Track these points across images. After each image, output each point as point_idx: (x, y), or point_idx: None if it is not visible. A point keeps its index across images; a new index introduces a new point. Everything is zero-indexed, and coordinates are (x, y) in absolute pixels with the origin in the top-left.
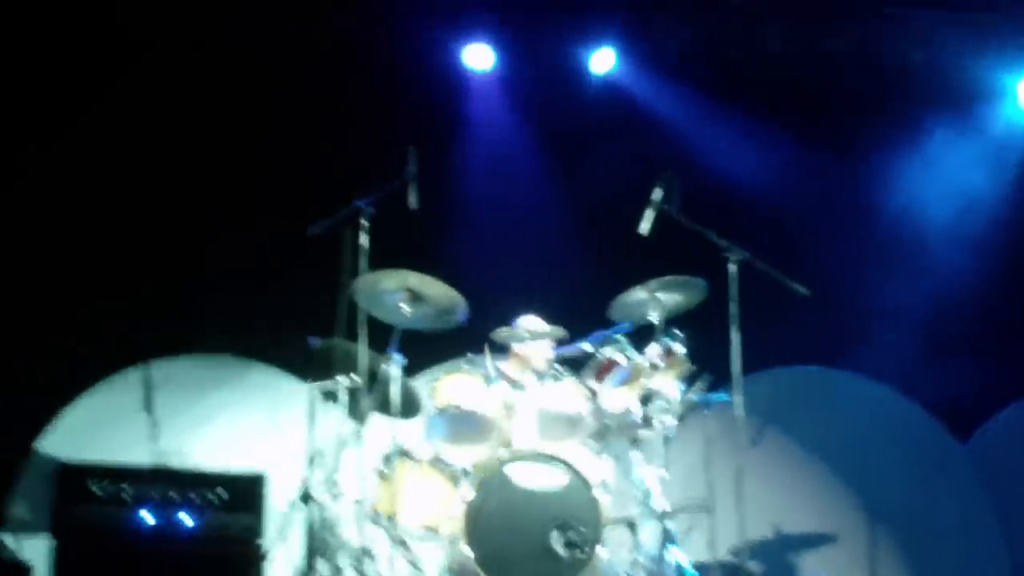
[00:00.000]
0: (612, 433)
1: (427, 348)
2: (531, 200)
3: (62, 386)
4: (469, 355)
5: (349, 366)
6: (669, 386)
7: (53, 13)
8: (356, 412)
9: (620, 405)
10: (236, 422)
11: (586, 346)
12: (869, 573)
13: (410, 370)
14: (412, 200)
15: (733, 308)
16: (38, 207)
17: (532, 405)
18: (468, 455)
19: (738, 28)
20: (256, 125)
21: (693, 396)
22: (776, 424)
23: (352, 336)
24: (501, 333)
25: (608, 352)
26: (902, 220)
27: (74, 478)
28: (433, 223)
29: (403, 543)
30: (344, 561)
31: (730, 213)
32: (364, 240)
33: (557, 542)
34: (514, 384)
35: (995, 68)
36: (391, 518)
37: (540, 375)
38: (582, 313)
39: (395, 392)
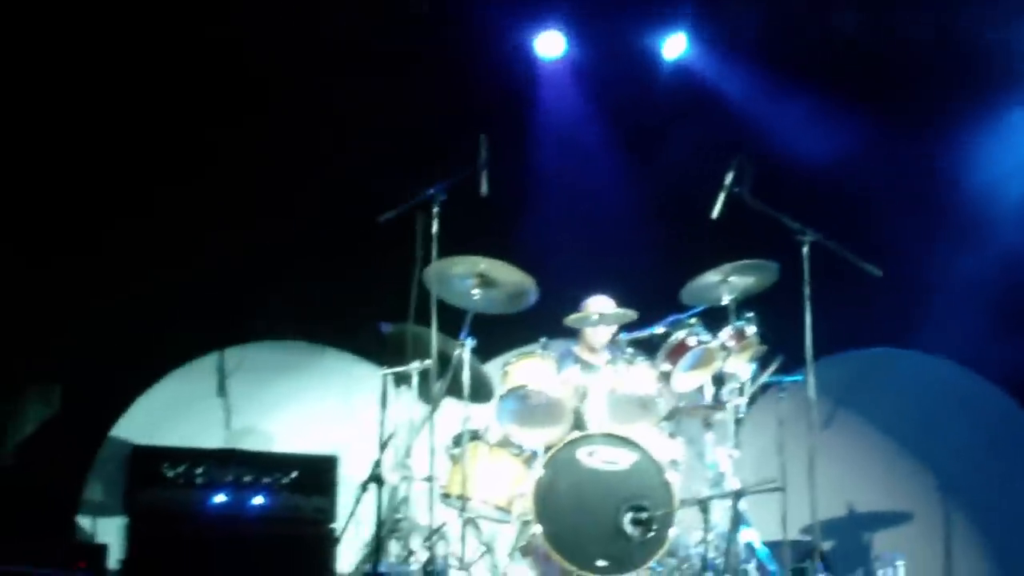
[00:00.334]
0: (684, 415)
1: (500, 332)
2: (602, 185)
3: (138, 373)
4: (542, 339)
5: (421, 351)
6: (741, 368)
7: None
8: (428, 396)
9: (692, 387)
10: (309, 407)
11: (658, 329)
12: (943, 550)
13: (482, 354)
14: (483, 187)
15: (806, 289)
16: (114, 197)
17: (604, 388)
18: (539, 437)
19: (810, 9)
20: (330, 112)
21: (765, 378)
22: (848, 405)
23: (424, 321)
24: (572, 317)
25: (680, 335)
26: (975, 199)
27: (148, 461)
28: (504, 209)
29: (474, 523)
30: (416, 542)
31: (802, 195)
32: (435, 227)
33: (628, 522)
34: (586, 367)
35: None
36: (462, 499)
37: (612, 358)
38: (654, 297)
39: (466, 376)
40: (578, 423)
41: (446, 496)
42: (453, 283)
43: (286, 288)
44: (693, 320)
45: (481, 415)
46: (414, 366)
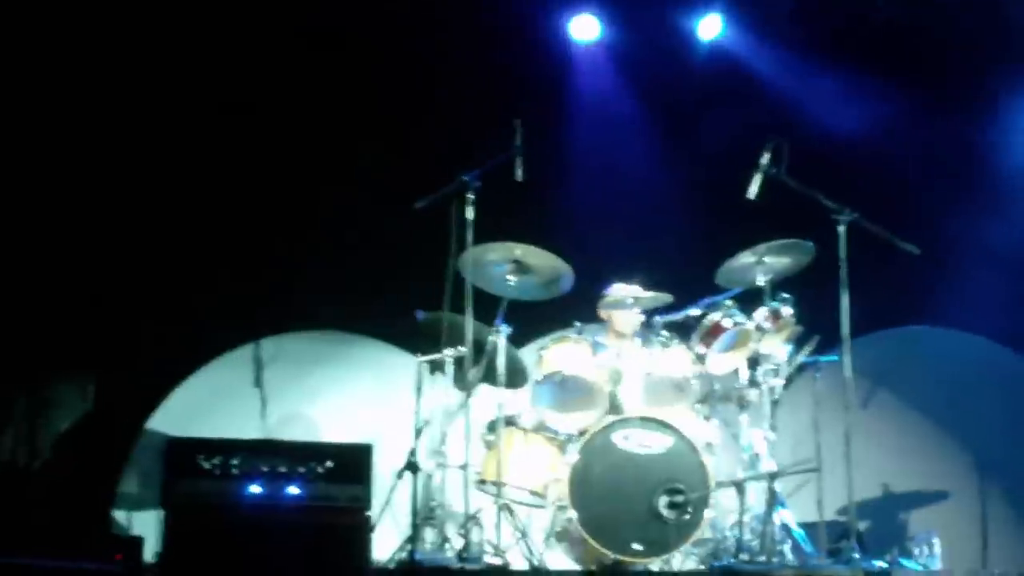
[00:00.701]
0: (719, 397)
1: (535, 318)
2: (638, 169)
3: (174, 366)
4: (577, 324)
5: (456, 338)
6: (777, 349)
7: None
8: (463, 383)
9: (727, 369)
10: (344, 396)
11: (694, 311)
12: (979, 530)
13: (518, 340)
14: (518, 173)
15: (842, 269)
16: (145, 191)
17: (639, 371)
18: (574, 422)
19: None
20: (362, 100)
21: (801, 358)
22: (884, 384)
23: (459, 309)
24: (606, 302)
25: (715, 316)
26: (1012, 176)
27: (183, 453)
28: (540, 195)
29: (509, 509)
30: (451, 529)
31: (839, 174)
32: (470, 213)
33: (663, 505)
34: (620, 351)
35: None
36: (497, 485)
37: (647, 341)
38: (691, 279)
39: (501, 362)
40: (613, 407)
41: (481, 482)
42: (488, 270)
43: (321, 277)
44: (728, 302)
45: (516, 401)
46: (448, 353)
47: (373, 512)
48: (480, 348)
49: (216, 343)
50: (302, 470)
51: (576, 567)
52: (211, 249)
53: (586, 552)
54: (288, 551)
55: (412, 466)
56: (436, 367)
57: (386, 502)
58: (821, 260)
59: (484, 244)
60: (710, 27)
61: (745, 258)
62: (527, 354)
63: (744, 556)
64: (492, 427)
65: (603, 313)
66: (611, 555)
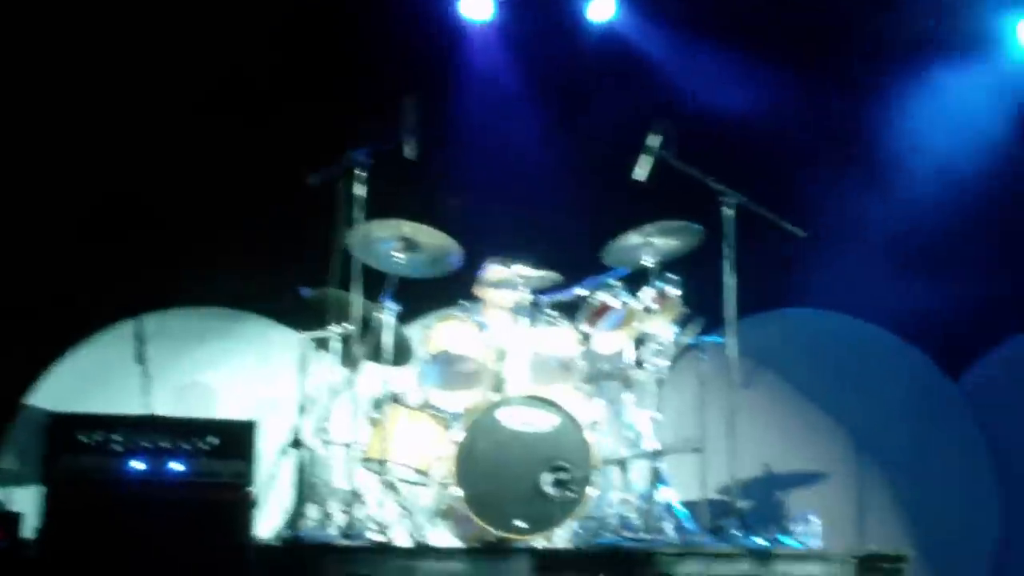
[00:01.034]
0: (605, 376)
1: (422, 296)
2: (530, 149)
3: (51, 341)
4: (462, 302)
5: (342, 315)
6: (663, 329)
7: None
8: (348, 360)
9: (613, 348)
10: (229, 372)
11: (580, 291)
12: (857, 511)
13: (405, 318)
14: (409, 151)
15: (728, 251)
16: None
17: (525, 349)
18: (460, 400)
19: None
20: (252, 72)
21: (686, 339)
22: (768, 366)
23: (346, 286)
24: (489, 278)
25: (601, 296)
26: (900, 159)
27: (64, 428)
28: (431, 173)
29: (393, 487)
30: (334, 506)
31: (728, 157)
32: (361, 190)
33: (547, 482)
34: (506, 329)
35: (996, 8)
36: (381, 462)
37: (534, 320)
38: (579, 259)
39: (387, 340)
40: (498, 385)
41: (366, 460)
42: (376, 247)
43: (207, 253)
44: (615, 281)
45: (402, 379)
46: (334, 330)
47: (256, 489)
48: (367, 325)
49: (97, 319)
50: (185, 446)
51: (460, 544)
52: (91, 222)
53: (470, 529)
54: (170, 527)
55: (296, 443)
56: (322, 344)
57: (269, 479)
58: (708, 242)
59: (372, 221)
60: (602, 9)
61: (633, 238)
62: (413, 331)
63: (627, 533)
64: (378, 405)
65: (479, 291)
66: (495, 532)
